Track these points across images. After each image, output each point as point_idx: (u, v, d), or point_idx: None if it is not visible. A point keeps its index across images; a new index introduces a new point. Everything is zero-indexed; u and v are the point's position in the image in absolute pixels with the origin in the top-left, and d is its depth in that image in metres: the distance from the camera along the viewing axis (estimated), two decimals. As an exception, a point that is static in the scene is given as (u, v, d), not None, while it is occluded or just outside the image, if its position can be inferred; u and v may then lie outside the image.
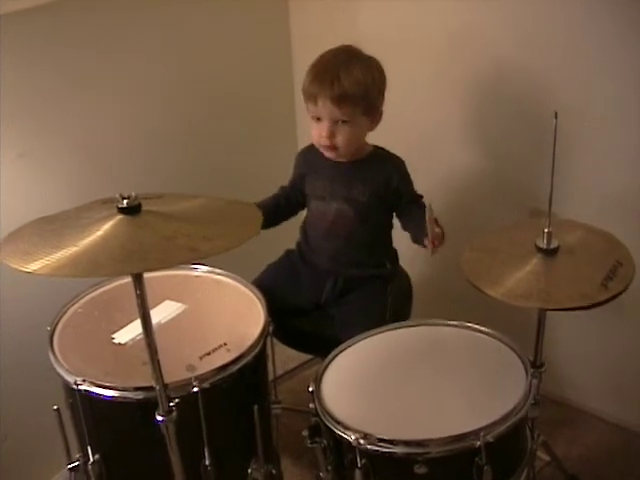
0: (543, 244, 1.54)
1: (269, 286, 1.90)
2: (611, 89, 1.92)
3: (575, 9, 1.90)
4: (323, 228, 1.99)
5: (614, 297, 1.46)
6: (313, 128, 1.90)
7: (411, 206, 1.96)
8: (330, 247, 1.99)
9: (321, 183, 1.98)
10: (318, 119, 1.87)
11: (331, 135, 1.86)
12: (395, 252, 2.07)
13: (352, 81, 1.83)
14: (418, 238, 1.86)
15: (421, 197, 1.99)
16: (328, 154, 1.92)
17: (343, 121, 1.85)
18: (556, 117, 1.45)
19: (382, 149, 1.98)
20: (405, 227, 1.99)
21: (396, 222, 2.02)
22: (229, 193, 1.54)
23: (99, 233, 1.26)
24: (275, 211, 2.04)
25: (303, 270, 2.04)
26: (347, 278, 1.99)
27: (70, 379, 1.54)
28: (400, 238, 2.01)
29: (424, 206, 1.90)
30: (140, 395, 1.50)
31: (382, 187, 1.94)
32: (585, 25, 1.90)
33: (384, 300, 1.96)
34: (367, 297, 1.96)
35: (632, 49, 1.86)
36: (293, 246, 2.11)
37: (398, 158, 1.97)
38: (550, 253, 1.54)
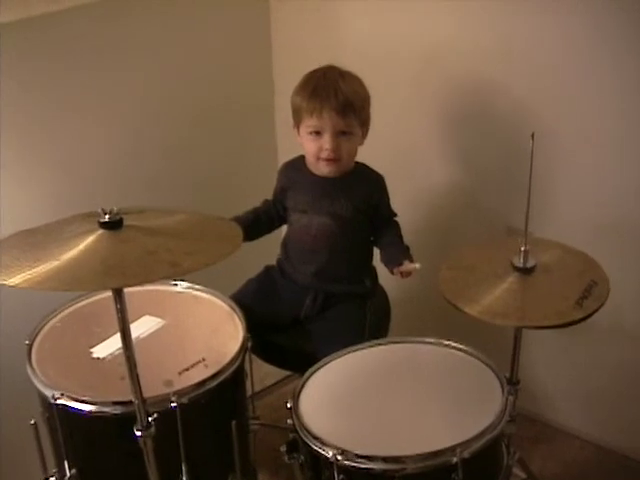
0: (520, 263, 1.55)
1: (248, 301, 1.90)
2: (590, 109, 1.95)
3: (557, 28, 1.93)
4: (305, 242, 1.99)
5: (589, 316, 1.47)
6: (308, 142, 1.91)
7: (386, 224, 2.01)
8: (312, 262, 1.99)
9: (304, 197, 1.98)
10: (317, 133, 1.88)
11: (336, 147, 1.88)
12: (375, 270, 2.07)
13: (352, 91, 1.87)
14: (388, 262, 1.91)
15: (395, 215, 2.03)
16: (327, 168, 1.92)
17: (343, 133, 1.87)
18: (533, 139, 1.47)
19: (364, 165, 2.00)
20: (376, 244, 2.02)
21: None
22: (209, 207, 1.55)
23: (80, 247, 1.27)
24: (254, 225, 2.04)
25: (283, 285, 2.04)
26: (327, 294, 1.99)
27: (48, 393, 1.53)
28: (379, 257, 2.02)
29: (397, 225, 1.96)
30: (118, 410, 1.49)
31: (364, 203, 1.96)
32: (566, 44, 1.93)
33: (363, 317, 1.96)
34: (346, 314, 1.97)
35: (613, 70, 1.88)
36: (273, 262, 2.11)
37: (379, 175, 2.00)
38: (526, 272, 1.55)
